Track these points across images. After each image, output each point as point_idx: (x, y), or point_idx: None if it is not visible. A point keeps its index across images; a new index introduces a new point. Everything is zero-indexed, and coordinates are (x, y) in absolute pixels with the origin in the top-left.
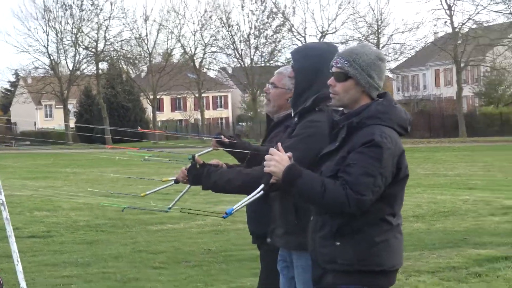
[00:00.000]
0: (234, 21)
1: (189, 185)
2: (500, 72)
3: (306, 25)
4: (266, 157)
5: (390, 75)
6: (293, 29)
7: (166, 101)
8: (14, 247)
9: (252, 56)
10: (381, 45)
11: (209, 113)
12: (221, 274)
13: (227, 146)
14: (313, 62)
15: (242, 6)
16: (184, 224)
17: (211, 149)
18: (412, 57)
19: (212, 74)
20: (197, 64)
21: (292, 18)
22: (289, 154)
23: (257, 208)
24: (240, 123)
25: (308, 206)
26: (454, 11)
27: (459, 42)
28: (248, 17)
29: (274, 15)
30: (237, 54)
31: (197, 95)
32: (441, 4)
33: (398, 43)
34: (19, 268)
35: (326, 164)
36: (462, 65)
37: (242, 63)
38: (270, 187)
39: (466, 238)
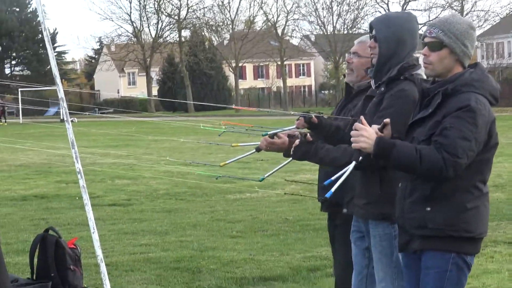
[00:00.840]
0: None
1: (290, 159)
2: None
3: None
4: (353, 133)
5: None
6: None
7: (249, 68)
8: (90, 215)
9: (334, 24)
10: (465, 12)
11: (291, 81)
12: (297, 243)
13: (315, 125)
14: (395, 31)
15: None
16: (263, 193)
17: (294, 126)
18: (496, 24)
19: (294, 41)
20: (279, 31)
21: None
22: (386, 120)
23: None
24: (322, 91)
25: (392, 177)
26: None
27: None
28: None
29: None
30: (319, 22)
31: (279, 63)
32: None
33: (483, 10)
34: (95, 236)
35: (418, 130)
36: None
37: (324, 30)
38: (361, 162)
39: None
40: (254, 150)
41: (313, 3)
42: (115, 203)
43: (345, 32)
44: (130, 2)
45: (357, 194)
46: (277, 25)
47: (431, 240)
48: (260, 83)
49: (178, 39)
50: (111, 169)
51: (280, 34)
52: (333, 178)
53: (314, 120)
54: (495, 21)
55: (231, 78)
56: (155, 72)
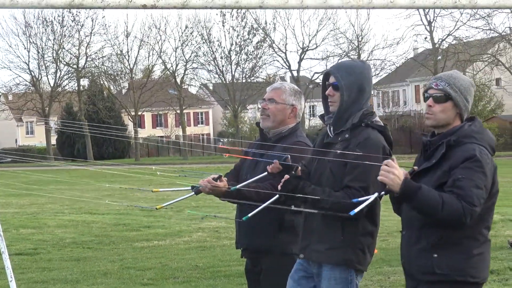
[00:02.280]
0: (215, 37)
1: (276, 196)
2: (480, 87)
3: (286, 41)
4: (384, 168)
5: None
6: (273, 45)
7: (148, 117)
8: (7, 263)
9: (233, 72)
10: None
11: (190, 129)
12: None
13: (287, 172)
14: (357, 79)
15: (223, 22)
16: (170, 241)
17: (264, 174)
18: (392, 73)
19: (193, 90)
20: (178, 80)
21: (272, 34)
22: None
23: (259, 223)
24: (221, 140)
25: (355, 223)
26: (434, 27)
27: (439, 57)
28: (229, 33)
29: (254, 31)
30: (218, 70)
31: (178, 111)
32: (421, 20)
33: (379, 59)
34: (12, 284)
35: (423, 180)
36: None
37: (223, 79)
38: (381, 197)
39: None
40: (193, 193)
41: (211, 52)
42: (22, 252)
43: (244, 80)
44: (28, 51)
45: (317, 239)
46: (176, 74)
47: (437, 286)
48: (159, 132)
49: (77, 87)
50: (14, 218)
51: (179, 83)
52: (358, 208)
53: (288, 160)
54: (391, 70)
55: (130, 126)
56: (53, 121)
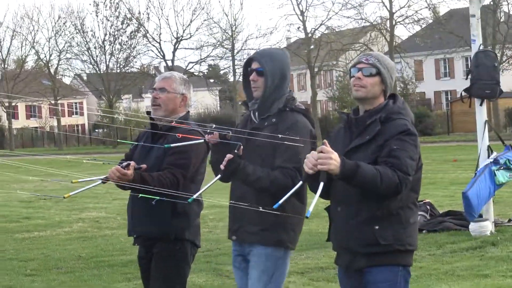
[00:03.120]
0: (88, 27)
1: (218, 176)
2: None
3: (161, 31)
4: (321, 155)
5: None
6: (148, 35)
7: (21, 108)
8: None
9: (107, 62)
10: (236, 50)
11: (65, 120)
12: (94, 279)
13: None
14: (279, 65)
15: (96, 12)
16: (51, 231)
17: (202, 140)
18: None
19: (67, 80)
20: (52, 70)
21: (146, 24)
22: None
23: (152, 209)
24: (96, 130)
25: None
26: (306, 16)
27: (312, 47)
28: (102, 23)
29: (128, 21)
30: (92, 61)
31: (52, 101)
32: (294, 10)
33: (253, 49)
34: None
35: (356, 156)
36: (315, 70)
37: (97, 69)
38: (304, 182)
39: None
40: (99, 182)
41: (85, 42)
42: None
43: (118, 71)
44: None
45: (248, 221)
46: (49, 64)
47: (379, 256)
48: (33, 123)
49: None
50: None
51: (53, 73)
52: (281, 201)
53: (228, 137)
54: None
55: (4, 117)
56: None
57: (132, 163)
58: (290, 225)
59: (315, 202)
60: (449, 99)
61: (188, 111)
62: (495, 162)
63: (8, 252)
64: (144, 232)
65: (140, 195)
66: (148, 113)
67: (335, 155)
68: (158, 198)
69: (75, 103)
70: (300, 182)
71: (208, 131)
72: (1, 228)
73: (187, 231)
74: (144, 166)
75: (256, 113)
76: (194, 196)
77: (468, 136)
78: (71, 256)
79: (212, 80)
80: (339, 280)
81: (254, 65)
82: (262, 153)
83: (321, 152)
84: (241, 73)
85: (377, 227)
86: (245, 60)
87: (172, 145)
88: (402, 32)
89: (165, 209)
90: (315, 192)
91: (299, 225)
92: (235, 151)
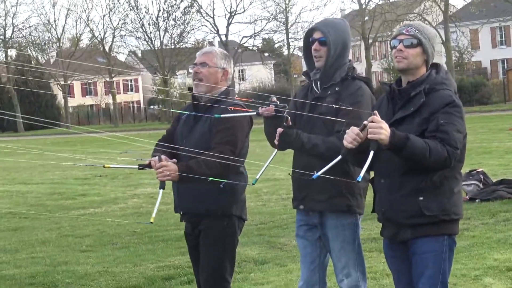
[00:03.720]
0: (142, 4)
1: (276, 150)
2: None
3: (214, 6)
4: (371, 125)
5: (300, 53)
6: (201, 10)
7: (77, 86)
8: None
9: (161, 39)
10: (289, 24)
11: (120, 97)
12: (148, 254)
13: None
14: (341, 35)
15: None
16: (107, 208)
17: (254, 113)
18: None
19: (122, 58)
20: (106, 48)
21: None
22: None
23: (198, 187)
24: (151, 106)
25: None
26: None
27: (366, 18)
28: None
29: None
30: (146, 37)
31: (107, 79)
32: None
33: (307, 21)
34: None
35: (402, 128)
36: (370, 41)
37: (152, 45)
38: (345, 156)
39: None
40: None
41: (139, 19)
42: None
43: (173, 46)
44: None
45: (316, 190)
46: (104, 42)
47: (424, 227)
48: (89, 100)
49: (4, 59)
50: None
51: (107, 51)
52: (320, 172)
53: (283, 112)
54: None
55: (60, 96)
56: None
57: (163, 157)
58: (358, 189)
59: (365, 169)
60: (506, 67)
61: (229, 85)
62: None
63: (64, 229)
64: (191, 209)
65: (210, 178)
66: (190, 89)
67: (385, 125)
68: (226, 181)
69: (130, 80)
70: (339, 157)
71: (263, 105)
72: (58, 206)
73: (234, 206)
74: (174, 160)
75: (318, 83)
76: (258, 177)
77: None
78: (126, 231)
79: (266, 54)
80: (384, 251)
81: (317, 35)
82: (326, 121)
83: (372, 122)
84: (302, 45)
85: (421, 198)
86: (306, 30)
87: (223, 115)
88: (457, 1)
89: (211, 186)
90: (358, 165)
91: (365, 190)
92: (284, 123)
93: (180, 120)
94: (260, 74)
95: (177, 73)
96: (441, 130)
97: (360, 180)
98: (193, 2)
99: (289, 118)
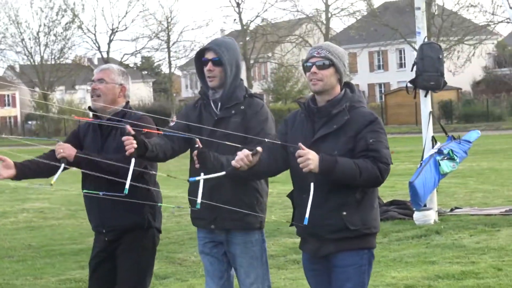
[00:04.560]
0: (23, 18)
1: (220, 173)
2: (288, 68)
3: (96, 23)
4: (300, 159)
5: (179, 73)
6: (82, 26)
7: None
8: None
9: (42, 54)
10: (171, 42)
11: None
12: (47, 267)
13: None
14: (234, 55)
15: (31, 3)
16: None
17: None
18: None
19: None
20: None
21: (81, 15)
22: (259, 148)
23: (124, 202)
24: (29, 122)
25: (259, 187)
26: (242, 8)
27: (248, 39)
28: (37, 14)
29: (63, 12)
30: (26, 52)
31: None
32: (230, 1)
33: (189, 40)
34: None
35: (324, 145)
36: (251, 62)
37: (32, 60)
38: (229, 173)
39: (279, 228)
40: (64, 164)
41: (19, 33)
42: None
43: (53, 62)
44: None
45: (229, 209)
46: None
47: (347, 241)
48: None
49: None
50: None
51: None
52: (197, 178)
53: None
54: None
55: None
56: None
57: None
58: (264, 205)
59: (308, 209)
60: (383, 91)
61: (128, 101)
62: (439, 152)
63: None
64: (116, 225)
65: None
66: (90, 108)
67: (312, 155)
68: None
69: (7, 95)
70: (223, 172)
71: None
72: None
73: (156, 219)
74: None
75: (219, 103)
76: (199, 201)
77: (402, 128)
78: (21, 245)
79: (145, 72)
80: (303, 266)
81: (210, 55)
82: (235, 141)
83: (300, 156)
84: (182, 63)
85: (344, 213)
86: (197, 51)
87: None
88: (337, 25)
89: (138, 198)
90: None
91: (266, 205)
92: (196, 146)
93: (82, 138)
94: (140, 92)
95: (55, 89)
96: (371, 149)
97: (306, 223)
98: (74, 17)
99: (197, 139)
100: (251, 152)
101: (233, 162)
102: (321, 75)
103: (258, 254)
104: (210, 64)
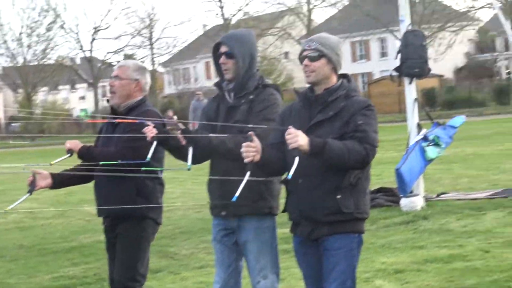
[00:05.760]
0: (5, 20)
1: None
2: (271, 61)
3: (78, 22)
4: (289, 136)
5: (162, 70)
6: (65, 26)
7: None
8: None
9: (25, 55)
10: (154, 39)
11: None
12: (41, 265)
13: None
14: (249, 48)
15: (13, 4)
16: None
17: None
18: (182, 50)
19: None
20: None
21: (64, 15)
22: (251, 133)
23: (117, 190)
24: (12, 123)
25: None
26: (224, 2)
27: None
28: (19, 15)
29: (45, 13)
30: (9, 54)
31: None
32: None
33: (171, 37)
34: None
35: (321, 130)
36: None
37: (15, 62)
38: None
39: None
40: (70, 155)
41: (2, 36)
42: None
43: (36, 63)
44: None
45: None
46: None
47: (340, 224)
48: None
49: None
50: None
51: None
52: (237, 193)
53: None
54: (183, 47)
55: None
56: None
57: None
58: (276, 191)
59: (293, 170)
60: (366, 81)
61: (145, 95)
62: (425, 139)
63: None
64: (111, 212)
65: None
66: (108, 101)
67: (301, 134)
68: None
69: None
70: (248, 173)
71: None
72: None
73: (151, 210)
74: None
75: (232, 93)
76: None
77: (386, 117)
78: (12, 245)
79: None
80: (294, 250)
81: (223, 49)
82: (243, 129)
83: (289, 134)
84: (165, 60)
85: (339, 196)
86: (213, 45)
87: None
88: (320, 16)
89: (130, 189)
90: (270, 175)
91: (280, 192)
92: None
93: (101, 132)
94: None
95: (38, 90)
96: (359, 130)
97: (290, 177)
98: (56, 17)
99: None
100: (247, 141)
101: (245, 159)
102: (313, 66)
103: (269, 240)
104: (223, 57)
